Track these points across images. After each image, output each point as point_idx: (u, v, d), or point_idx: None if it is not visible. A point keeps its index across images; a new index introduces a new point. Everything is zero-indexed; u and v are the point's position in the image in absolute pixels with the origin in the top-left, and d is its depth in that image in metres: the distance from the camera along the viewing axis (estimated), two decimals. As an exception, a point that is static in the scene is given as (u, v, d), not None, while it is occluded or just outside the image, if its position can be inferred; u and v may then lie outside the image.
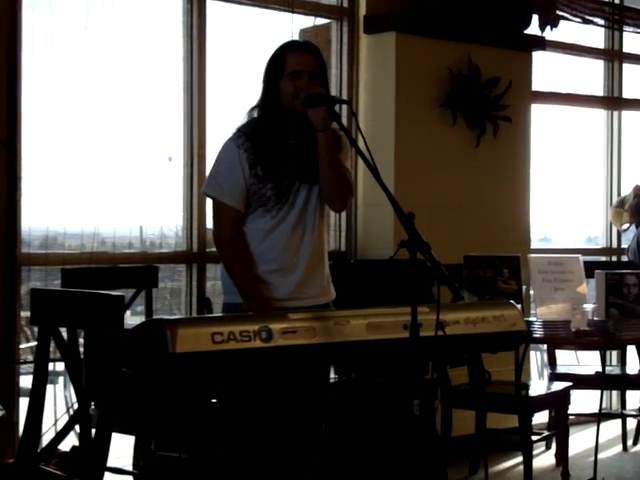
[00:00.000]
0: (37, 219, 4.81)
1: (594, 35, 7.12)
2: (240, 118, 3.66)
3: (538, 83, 6.54)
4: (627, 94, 7.30)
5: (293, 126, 3.55)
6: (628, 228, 6.81)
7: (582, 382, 5.60)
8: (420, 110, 5.85)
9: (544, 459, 5.90)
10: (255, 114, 3.61)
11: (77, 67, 4.93)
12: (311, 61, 3.54)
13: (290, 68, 3.51)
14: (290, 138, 3.56)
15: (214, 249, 5.23)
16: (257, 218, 3.56)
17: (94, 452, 3.32)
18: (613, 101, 7.24)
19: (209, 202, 5.20)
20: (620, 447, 6.16)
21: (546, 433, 5.60)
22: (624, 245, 7.18)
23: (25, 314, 4.68)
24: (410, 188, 5.64)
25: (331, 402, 3.77)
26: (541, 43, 6.40)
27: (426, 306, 3.06)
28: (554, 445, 5.85)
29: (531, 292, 5.26)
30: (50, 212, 4.86)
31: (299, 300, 3.55)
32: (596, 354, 5.79)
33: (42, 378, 3.53)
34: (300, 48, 3.58)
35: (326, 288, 3.68)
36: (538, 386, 5.60)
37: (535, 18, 6.33)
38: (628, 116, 7.35)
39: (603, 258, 7.20)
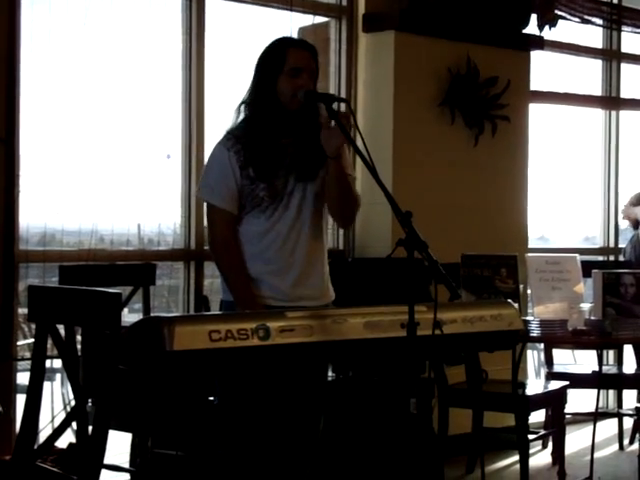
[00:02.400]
0: (35, 216, 4.81)
1: (592, 35, 7.12)
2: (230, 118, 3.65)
3: (536, 82, 6.54)
4: (625, 94, 7.30)
5: (287, 124, 3.52)
6: None
7: (579, 381, 5.60)
8: (418, 109, 5.85)
9: (541, 458, 5.91)
10: (243, 112, 3.57)
11: (76, 64, 4.92)
12: (311, 59, 3.53)
13: (290, 65, 3.47)
14: (283, 137, 3.53)
15: (212, 247, 5.26)
16: (252, 219, 3.53)
17: (91, 449, 3.32)
18: (611, 101, 7.24)
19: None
20: (616, 446, 6.18)
21: (543, 432, 5.61)
22: (621, 245, 7.20)
23: (22, 311, 4.69)
24: (408, 187, 5.64)
25: (329, 400, 3.77)
26: (539, 43, 6.40)
27: (423, 305, 3.06)
28: (551, 444, 5.85)
29: (528, 291, 5.27)
30: (48, 209, 4.86)
31: (296, 301, 3.52)
32: (593, 353, 5.79)
33: (39, 375, 3.53)
34: (301, 45, 3.55)
35: (325, 289, 3.65)
36: (535, 385, 5.61)
37: (534, 18, 6.34)
38: (626, 116, 7.35)
39: (600, 258, 7.21)
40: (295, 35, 5.66)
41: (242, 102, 3.60)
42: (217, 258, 3.58)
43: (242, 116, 3.60)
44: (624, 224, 7.25)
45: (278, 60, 3.49)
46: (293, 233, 3.54)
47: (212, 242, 3.61)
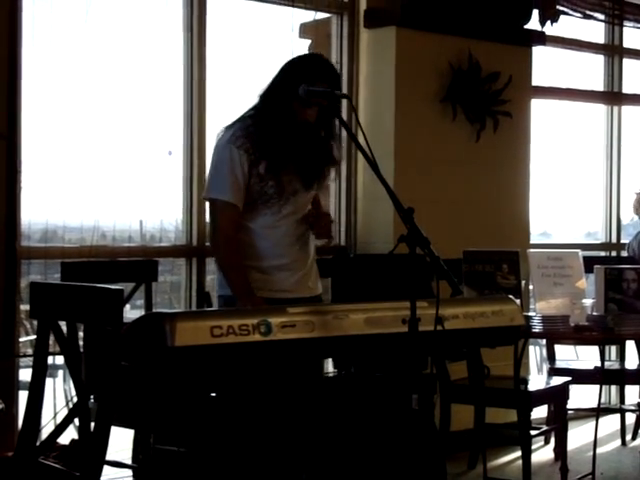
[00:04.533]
0: (37, 213, 4.81)
1: (594, 30, 7.11)
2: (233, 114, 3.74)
3: (538, 78, 6.53)
4: (627, 89, 7.29)
5: (297, 131, 3.68)
6: None
7: (581, 377, 5.60)
8: (420, 105, 5.85)
9: (543, 454, 5.90)
10: (253, 109, 3.70)
11: (77, 60, 4.92)
12: None
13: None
14: (293, 139, 3.67)
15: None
16: (258, 214, 3.66)
17: (93, 445, 3.32)
18: (613, 96, 7.23)
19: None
20: (619, 442, 6.17)
21: (545, 428, 5.60)
22: (624, 240, 7.19)
23: (25, 307, 4.68)
24: (410, 183, 5.63)
25: (326, 399, 3.79)
26: (541, 38, 6.40)
27: (425, 301, 3.06)
28: (553, 440, 5.85)
29: (530, 287, 5.26)
30: (50, 206, 4.85)
31: (299, 292, 3.71)
32: (595, 349, 5.79)
33: (41, 371, 3.53)
34: (326, 80, 3.65)
35: (317, 283, 3.87)
36: (537, 381, 5.61)
37: (535, 13, 6.33)
38: (628, 111, 7.34)
39: (602, 253, 7.20)
40: (296, 30, 5.67)
41: (263, 94, 3.72)
42: (219, 253, 3.69)
43: (250, 115, 3.72)
44: (627, 219, 7.24)
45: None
46: (299, 230, 3.74)
47: (215, 238, 3.71)
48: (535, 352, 7.78)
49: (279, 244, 3.68)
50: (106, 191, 5.02)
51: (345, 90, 5.79)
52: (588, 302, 4.94)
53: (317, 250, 5.46)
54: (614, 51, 7.21)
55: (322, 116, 3.69)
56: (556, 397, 5.30)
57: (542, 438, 6.01)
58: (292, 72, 3.68)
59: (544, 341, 6.45)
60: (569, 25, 6.76)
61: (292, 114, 3.64)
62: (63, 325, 3.63)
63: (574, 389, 5.60)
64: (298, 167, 3.69)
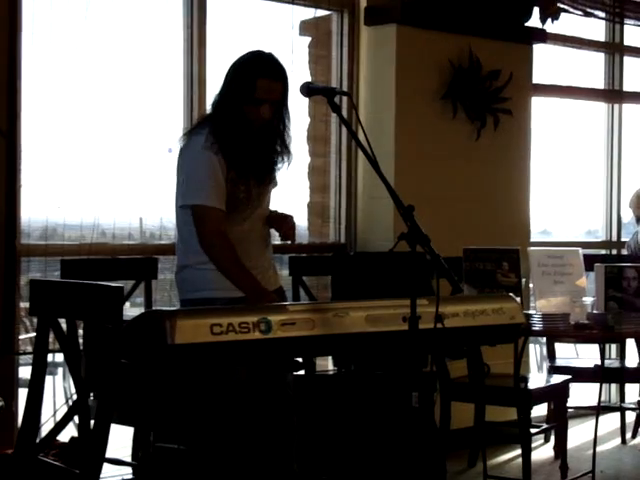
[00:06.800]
0: (36, 210, 4.80)
1: (595, 28, 7.11)
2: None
3: (539, 76, 6.53)
4: (628, 87, 7.29)
5: (253, 133, 3.68)
6: None
7: (581, 375, 5.60)
8: (420, 102, 5.84)
9: (543, 452, 5.91)
10: (212, 114, 3.72)
11: (77, 58, 4.92)
12: (277, 90, 3.65)
13: (256, 95, 3.62)
14: (253, 141, 3.68)
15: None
16: (232, 221, 3.64)
17: (93, 443, 3.32)
18: (614, 94, 7.23)
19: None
20: (619, 440, 6.18)
21: (545, 426, 5.61)
22: (624, 238, 7.18)
23: (24, 305, 4.68)
24: (410, 180, 5.63)
25: (327, 396, 3.79)
26: (542, 36, 6.39)
27: (425, 299, 3.06)
28: (553, 438, 5.85)
29: (530, 285, 5.26)
30: (50, 203, 4.85)
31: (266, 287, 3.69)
32: (595, 347, 5.78)
33: (41, 369, 3.53)
34: (270, 77, 3.64)
35: (277, 275, 3.92)
36: (537, 379, 5.60)
37: (536, 10, 6.32)
38: (629, 109, 7.34)
39: (603, 251, 7.21)
40: (296, 28, 5.67)
41: (215, 102, 3.73)
42: (217, 253, 3.61)
43: (212, 121, 3.72)
44: (627, 217, 7.24)
45: (248, 87, 3.63)
46: (264, 231, 3.77)
47: (208, 238, 3.62)
48: (535, 350, 7.78)
49: (246, 245, 3.65)
50: (106, 189, 5.01)
51: (345, 88, 5.80)
52: (588, 300, 4.94)
53: (316, 248, 5.50)
54: (615, 49, 7.21)
55: (276, 109, 3.68)
56: (556, 395, 5.30)
57: (542, 436, 6.01)
58: (235, 75, 3.68)
59: (544, 339, 6.45)
60: (570, 23, 6.76)
61: (245, 119, 3.64)
62: (63, 322, 3.62)
63: (574, 387, 5.60)
64: (255, 167, 3.69)
